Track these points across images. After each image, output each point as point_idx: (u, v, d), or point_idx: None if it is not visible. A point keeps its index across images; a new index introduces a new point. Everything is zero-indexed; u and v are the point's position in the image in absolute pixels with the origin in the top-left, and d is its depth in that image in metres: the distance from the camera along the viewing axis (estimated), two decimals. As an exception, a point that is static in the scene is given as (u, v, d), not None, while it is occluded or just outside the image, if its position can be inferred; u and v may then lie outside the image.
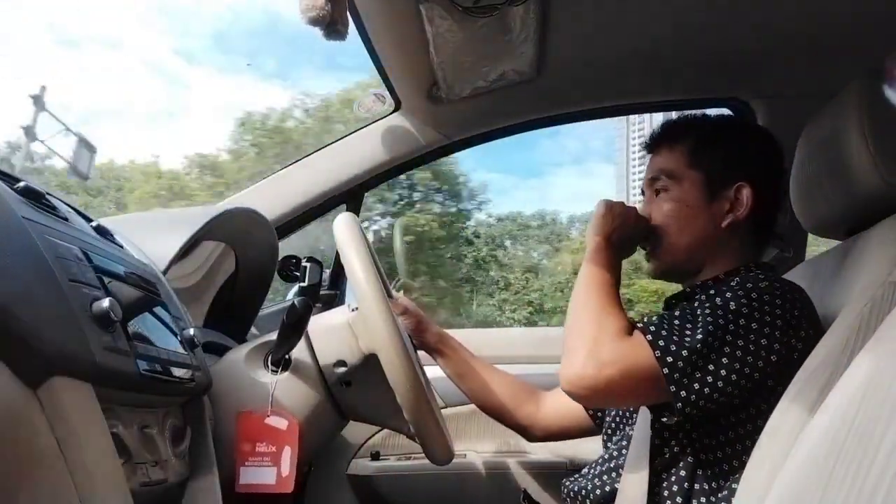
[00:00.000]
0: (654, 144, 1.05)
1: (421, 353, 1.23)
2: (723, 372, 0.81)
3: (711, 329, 0.83)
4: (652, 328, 0.85)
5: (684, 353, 0.82)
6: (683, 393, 0.82)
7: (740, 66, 1.35)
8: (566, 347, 0.88)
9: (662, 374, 0.82)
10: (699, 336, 0.83)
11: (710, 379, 0.81)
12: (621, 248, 1.00)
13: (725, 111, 1.49)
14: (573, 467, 1.40)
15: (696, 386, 0.82)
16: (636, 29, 1.23)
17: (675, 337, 0.83)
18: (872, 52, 0.87)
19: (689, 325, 0.85)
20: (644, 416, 0.95)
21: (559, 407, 1.21)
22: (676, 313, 0.87)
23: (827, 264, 0.99)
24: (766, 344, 0.82)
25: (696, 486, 0.87)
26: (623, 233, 1.00)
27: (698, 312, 0.86)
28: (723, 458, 0.87)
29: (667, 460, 0.89)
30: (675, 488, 0.88)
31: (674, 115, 1.16)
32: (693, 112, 1.08)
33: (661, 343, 0.83)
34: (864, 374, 0.59)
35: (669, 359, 0.82)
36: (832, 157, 0.92)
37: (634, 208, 1.03)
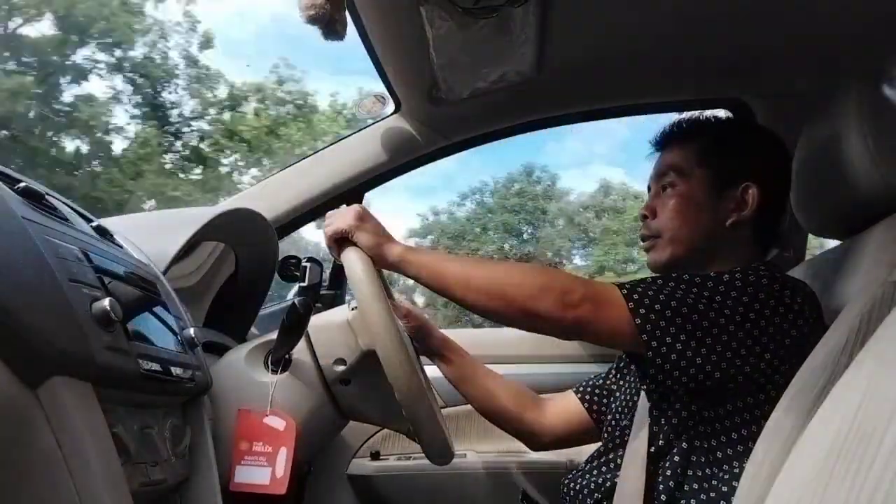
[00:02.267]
0: (665, 141, 1.06)
1: (423, 357, 1.23)
2: (708, 340, 0.82)
3: (696, 291, 0.84)
4: (628, 285, 0.87)
5: (660, 299, 0.83)
6: (655, 343, 0.83)
7: (740, 66, 1.35)
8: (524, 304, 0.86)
9: (630, 313, 0.83)
10: (680, 292, 0.84)
11: (693, 343, 0.82)
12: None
13: (725, 111, 1.49)
14: (573, 467, 1.40)
15: (670, 339, 0.82)
16: (636, 30, 1.23)
17: (650, 291, 0.85)
18: (872, 52, 0.87)
19: (671, 284, 0.86)
20: (643, 406, 0.96)
21: (562, 412, 1.20)
22: (660, 280, 0.88)
23: (827, 264, 0.99)
24: (755, 318, 0.83)
25: (690, 472, 0.88)
26: (378, 225, 0.97)
27: (685, 277, 0.87)
28: (717, 446, 0.87)
29: (662, 447, 0.90)
30: (668, 473, 0.88)
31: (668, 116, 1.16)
32: (705, 112, 1.08)
33: (636, 295, 0.85)
34: (864, 373, 0.59)
35: (643, 307, 0.83)
36: (832, 157, 0.92)
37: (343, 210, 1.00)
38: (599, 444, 1.10)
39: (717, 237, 0.99)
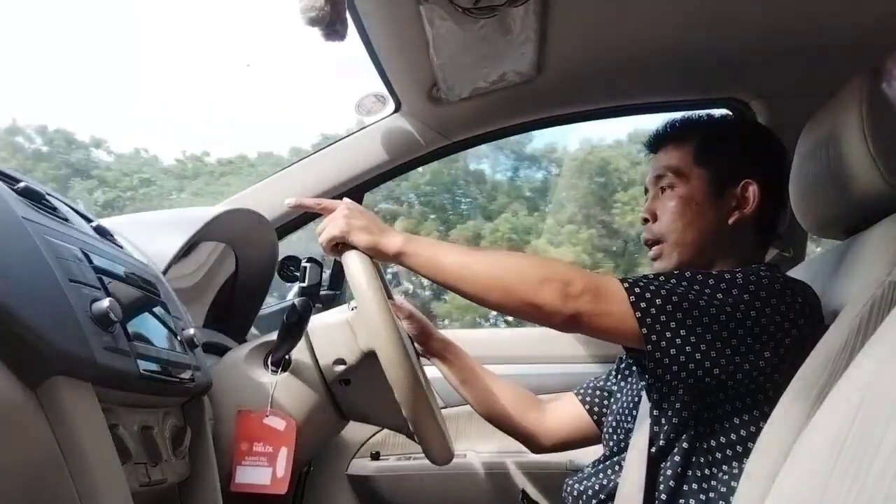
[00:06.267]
0: (660, 142, 1.05)
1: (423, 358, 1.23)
2: (708, 336, 0.82)
3: (697, 288, 0.84)
4: (630, 279, 0.87)
5: (662, 294, 0.83)
6: (654, 337, 0.83)
7: (740, 66, 1.35)
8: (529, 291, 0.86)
9: (630, 307, 0.83)
10: (682, 288, 0.84)
11: (693, 339, 0.82)
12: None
13: (725, 111, 1.49)
14: (573, 467, 1.40)
15: (669, 335, 0.82)
16: (636, 29, 1.23)
17: (652, 286, 0.85)
18: (872, 52, 0.87)
19: (673, 280, 0.86)
20: (644, 407, 0.96)
21: (563, 414, 1.20)
22: (663, 276, 0.88)
23: (827, 264, 0.99)
24: (756, 316, 0.83)
25: (690, 473, 0.88)
26: (370, 219, 0.95)
27: (687, 274, 0.87)
28: (717, 446, 0.88)
29: (663, 447, 0.90)
30: (668, 473, 0.89)
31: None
32: (698, 112, 1.08)
33: (637, 289, 0.85)
34: (864, 374, 0.59)
35: (644, 301, 0.83)
36: (832, 157, 0.92)
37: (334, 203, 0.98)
38: (600, 445, 1.10)
39: (720, 236, 0.98)
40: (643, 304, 0.83)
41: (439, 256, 0.91)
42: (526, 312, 0.88)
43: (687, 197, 0.99)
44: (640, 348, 0.85)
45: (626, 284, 0.85)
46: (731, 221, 0.98)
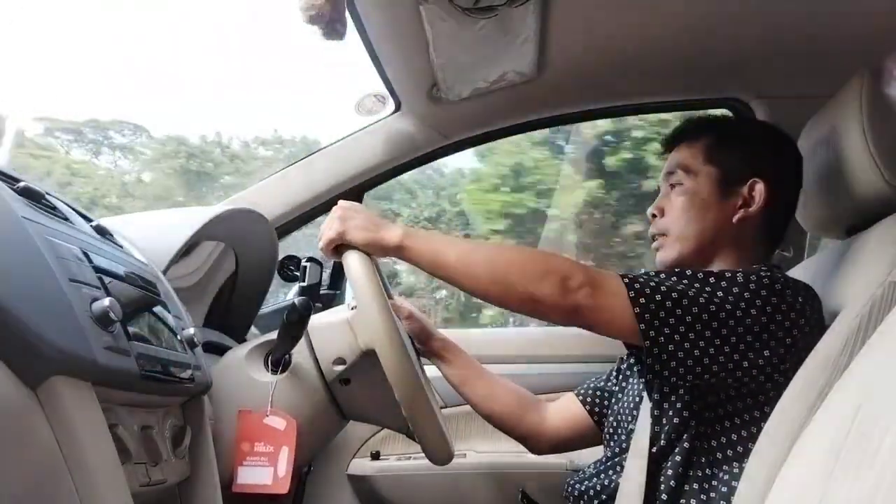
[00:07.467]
0: (674, 141, 1.06)
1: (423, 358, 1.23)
2: (707, 333, 0.82)
3: (698, 286, 0.85)
4: (630, 275, 0.87)
5: (661, 290, 0.84)
6: (652, 333, 0.83)
7: (740, 66, 1.35)
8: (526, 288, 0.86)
9: (629, 302, 0.83)
10: (682, 285, 0.84)
11: (692, 336, 0.82)
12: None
13: (726, 111, 1.49)
14: (573, 468, 1.40)
15: (668, 331, 0.83)
16: (636, 29, 1.23)
17: (652, 282, 0.85)
18: (872, 52, 0.88)
19: (673, 278, 0.86)
20: (645, 407, 0.96)
21: (563, 415, 1.20)
22: (664, 273, 0.89)
23: (827, 264, 0.99)
24: (756, 315, 0.83)
25: (691, 473, 0.88)
26: (366, 216, 0.95)
27: (688, 272, 0.88)
28: (717, 446, 0.88)
29: (664, 447, 0.90)
30: (669, 472, 0.89)
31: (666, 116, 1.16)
32: (713, 111, 1.09)
33: (637, 285, 0.85)
34: (864, 373, 0.59)
35: (643, 297, 0.84)
36: (832, 157, 0.93)
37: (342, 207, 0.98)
38: (601, 446, 1.10)
39: (723, 234, 0.99)
40: (642, 300, 0.83)
41: (440, 250, 0.91)
42: (526, 306, 0.88)
43: (693, 193, 1.00)
44: (638, 344, 0.85)
45: (626, 280, 0.85)
46: (735, 219, 0.98)
